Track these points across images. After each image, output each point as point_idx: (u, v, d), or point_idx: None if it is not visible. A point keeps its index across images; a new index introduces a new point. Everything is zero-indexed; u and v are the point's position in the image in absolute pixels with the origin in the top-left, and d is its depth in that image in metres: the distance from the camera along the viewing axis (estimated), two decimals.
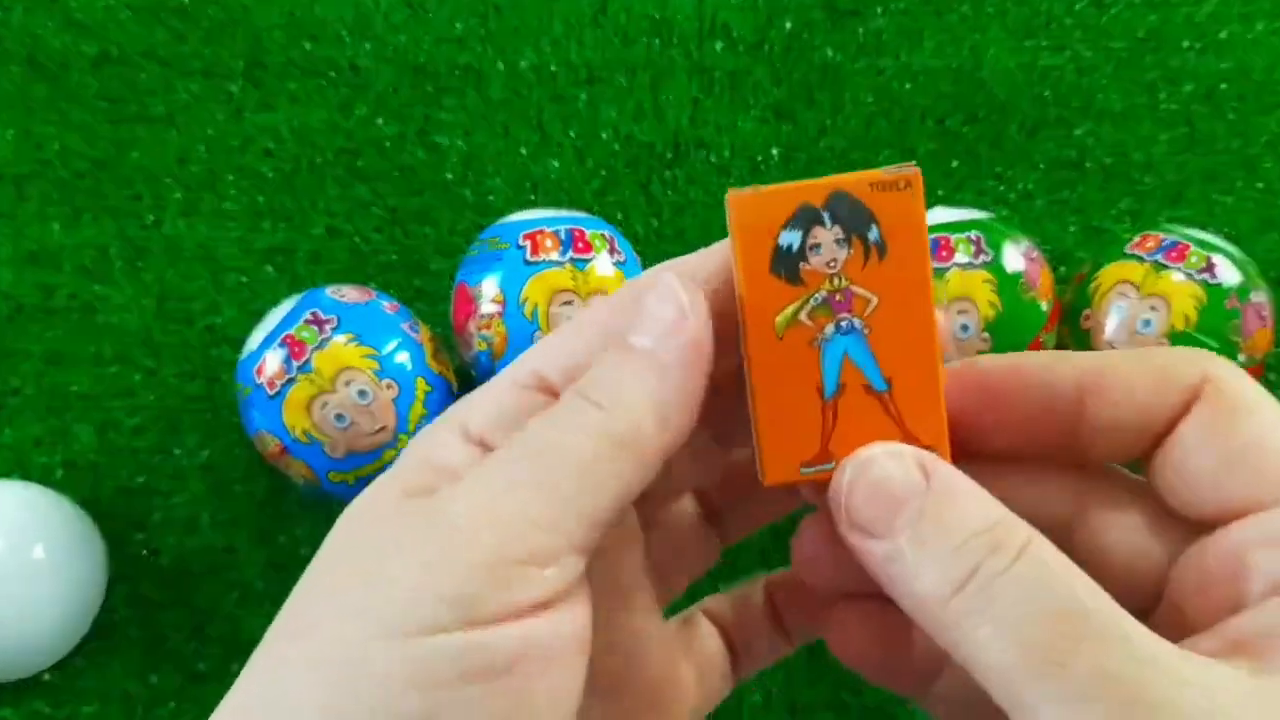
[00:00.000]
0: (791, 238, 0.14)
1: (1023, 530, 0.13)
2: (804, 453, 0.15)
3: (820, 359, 0.14)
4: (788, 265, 0.14)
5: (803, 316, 0.14)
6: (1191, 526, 0.15)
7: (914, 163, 0.14)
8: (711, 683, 0.18)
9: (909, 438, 0.14)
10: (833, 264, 0.14)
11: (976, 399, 0.15)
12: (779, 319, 0.14)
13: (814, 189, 0.14)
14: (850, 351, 0.14)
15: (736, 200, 0.14)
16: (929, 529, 0.13)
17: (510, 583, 0.12)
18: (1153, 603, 0.15)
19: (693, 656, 0.18)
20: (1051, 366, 0.15)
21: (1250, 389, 0.14)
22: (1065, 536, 0.15)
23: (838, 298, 0.14)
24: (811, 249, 0.14)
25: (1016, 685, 0.12)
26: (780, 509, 0.19)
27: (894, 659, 0.16)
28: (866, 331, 0.14)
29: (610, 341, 0.14)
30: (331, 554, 0.14)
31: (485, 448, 0.14)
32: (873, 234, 0.14)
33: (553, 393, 0.14)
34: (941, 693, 0.17)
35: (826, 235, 0.14)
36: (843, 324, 0.14)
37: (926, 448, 0.14)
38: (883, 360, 0.14)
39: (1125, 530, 0.15)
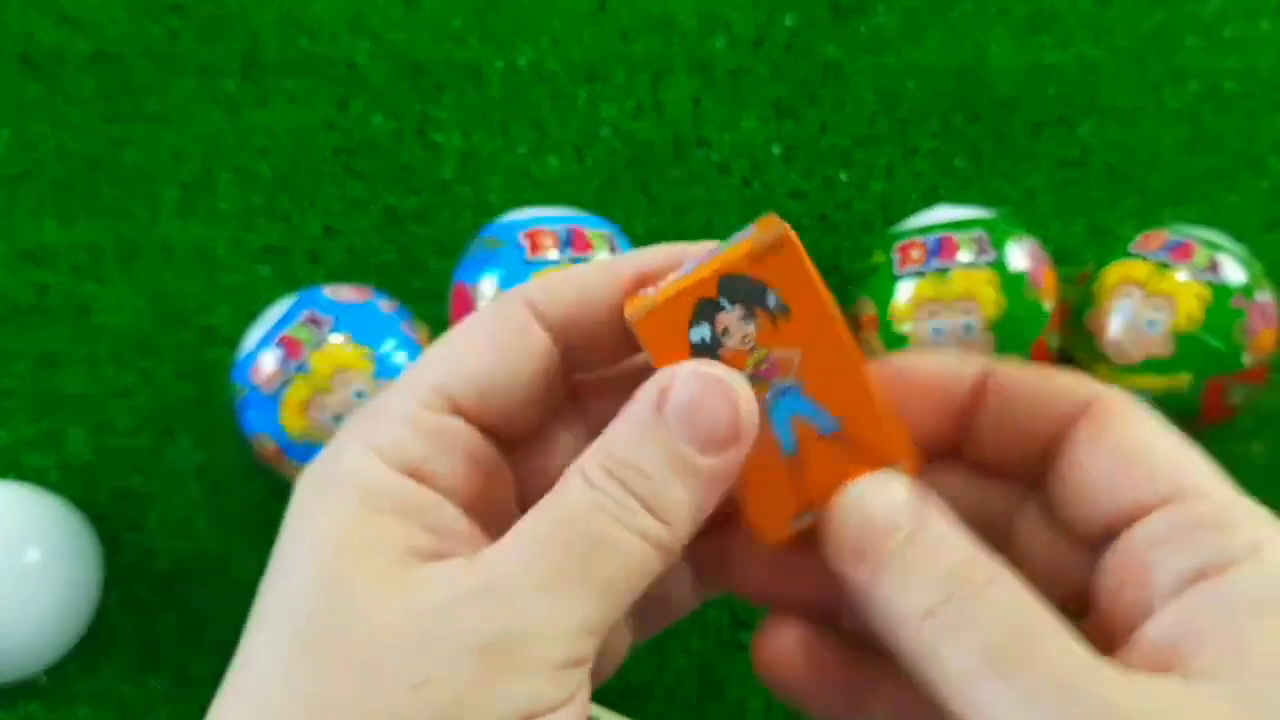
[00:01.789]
0: (701, 332, 0.15)
1: (990, 566, 0.14)
2: (787, 510, 0.16)
3: (771, 425, 0.15)
4: (708, 356, 0.15)
5: None
6: (1093, 538, 0.15)
7: (773, 213, 0.15)
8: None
9: (877, 462, 0.15)
10: (746, 340, 0.15)
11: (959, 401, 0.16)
12: None
13: (703, 283, 0.15)
14: (795, 408, 0.15)
15: (639, 322, 0.15)
16: (913, 561, 0.14)
17: (558, 682, 0.13)
18: (1082, 610, 0.15)
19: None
20: (950, 364, 0.16)
21: (1133, 402, 0.15)
22: (1004, 540, 0.16)
23: (763, 367, 0.15)
24: (723, 335, 0.15)
25: (976, 688, 0.13)
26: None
27: (820, 680, 0.17)
28: (801, 385, 0.15)
29: (671, 455, 0.14)
30: (320, 615, 0.13)
31: (421, 479, 0.14)
32: (770, 301, 0.15)
33: (464, 416, 0.15)
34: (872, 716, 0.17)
35: (731, 318, 0.15)
36: (777, 388, 0.15)
37: (895, 464, 0.15)
38: (827, 403, 0.15)
39: (1049, 538, 0.16)
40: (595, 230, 0.32)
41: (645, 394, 0.14)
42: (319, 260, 0.36)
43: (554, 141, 0.37)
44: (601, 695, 0.32)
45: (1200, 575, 0.13)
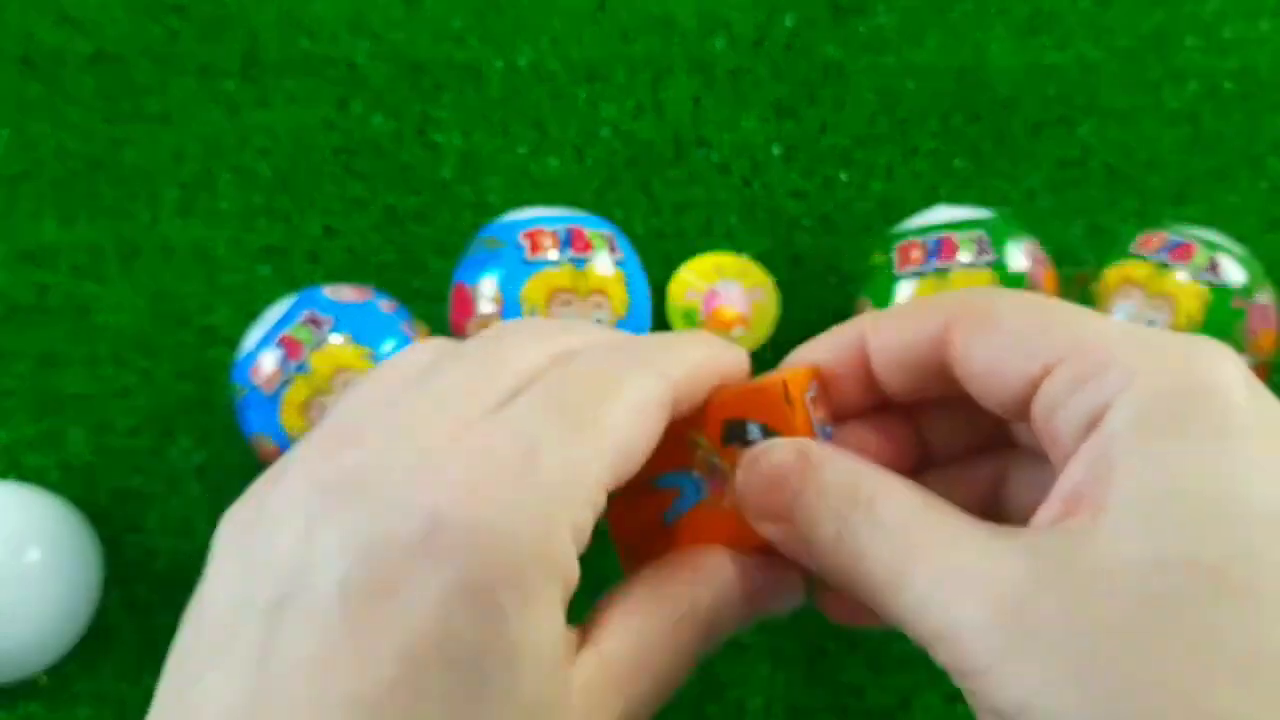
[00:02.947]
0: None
1: (871, 480, 0.15)
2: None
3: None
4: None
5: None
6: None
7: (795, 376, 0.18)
8: None
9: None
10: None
11: (854, 358, 0.18)
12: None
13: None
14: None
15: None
16: (809, 499, 0.16)
17: None
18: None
19: None
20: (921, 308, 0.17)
21: (1000, 293, 0.17)
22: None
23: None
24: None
25: (896, 596, 0.14)
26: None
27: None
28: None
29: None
30: None
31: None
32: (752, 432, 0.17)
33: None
34: None
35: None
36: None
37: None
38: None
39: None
40: (595, 230, 0.32)
41: (756, 577, 0.17)
42: (319, 260, 0.36)
43: (554, 141, 0.37)
44: None
45: (1089, 428, 0.14)
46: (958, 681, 0.14)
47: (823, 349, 0.18)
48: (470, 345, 0.16)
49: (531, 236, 0.31)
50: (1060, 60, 0.38)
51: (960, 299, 0.16)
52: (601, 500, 0.15)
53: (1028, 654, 0.12)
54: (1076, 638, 0.12)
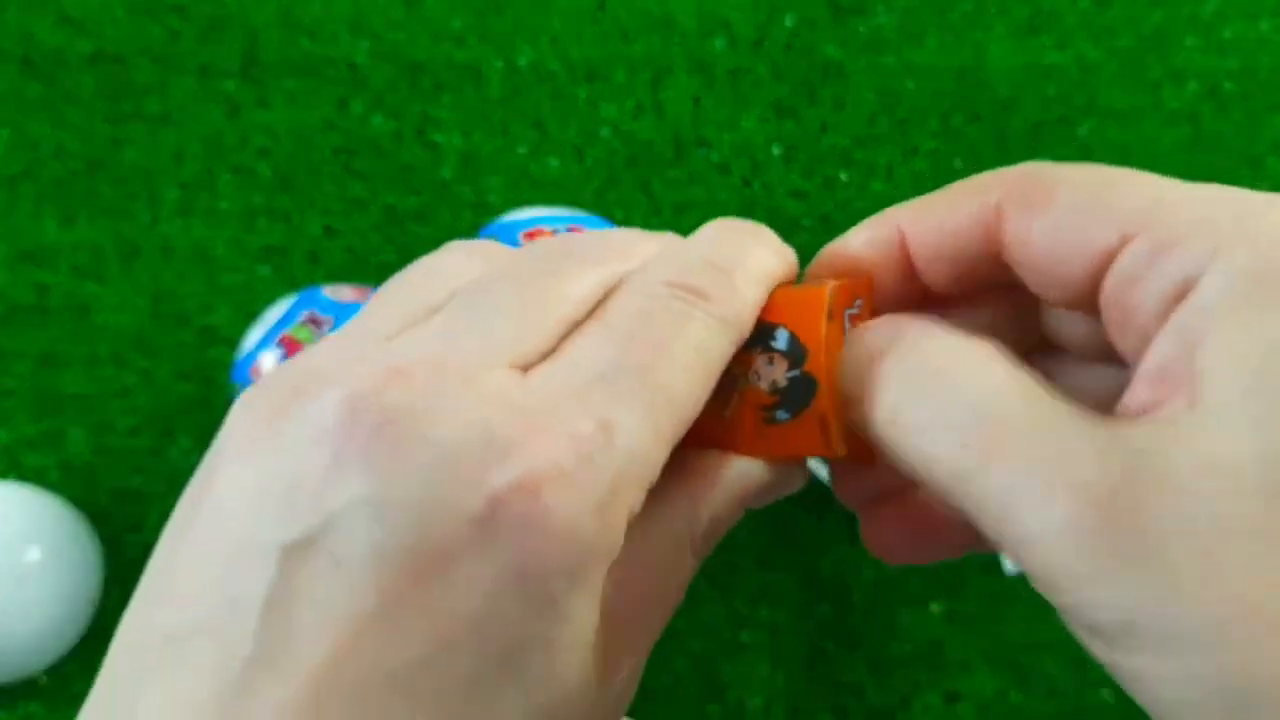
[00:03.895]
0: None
1: (969, 350, 0.13)
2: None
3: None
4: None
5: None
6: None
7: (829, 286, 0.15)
8: None
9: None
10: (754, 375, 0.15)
11: (891, 251, 0.16)
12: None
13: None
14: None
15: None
16: (890, 372, 0.14)
17: None
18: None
19: None
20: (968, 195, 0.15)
21: (1058, 169, 0.14)
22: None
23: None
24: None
25: (959, 477, 0.13)
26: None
27: (924, 545, 0.16)
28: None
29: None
30: None
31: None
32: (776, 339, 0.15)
33: None
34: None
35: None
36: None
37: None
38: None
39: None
40: (595, 230, 0.32)
41: (753, 483, 0.15)
42: (319, 260, 0.36)
43: (554, 141, 0.37)
44: None
45: (1174, 301, 0.12)
46: (1047, 595, 0.12)
47: (857, 242, 0.16)
48: (517, 262, 0.15)
49: (532, 237, 0.31)
50: (1060, 60, 0.38)
51: (1012, 176, 0.14)
52: (657, 476, 0.13)
53: (1132, 564, 0.11)
54: (1188, 545, 0.11)
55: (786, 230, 0.37)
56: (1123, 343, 0.13)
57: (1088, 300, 0.14)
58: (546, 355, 0.14)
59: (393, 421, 0.12)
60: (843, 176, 0.37)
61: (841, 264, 0.16)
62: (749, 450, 0.15)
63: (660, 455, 0.13)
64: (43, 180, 0.37)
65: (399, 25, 0.38)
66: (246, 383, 0.30)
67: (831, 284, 0.15)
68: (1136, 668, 0.11)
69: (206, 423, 0.34)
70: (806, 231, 0.37)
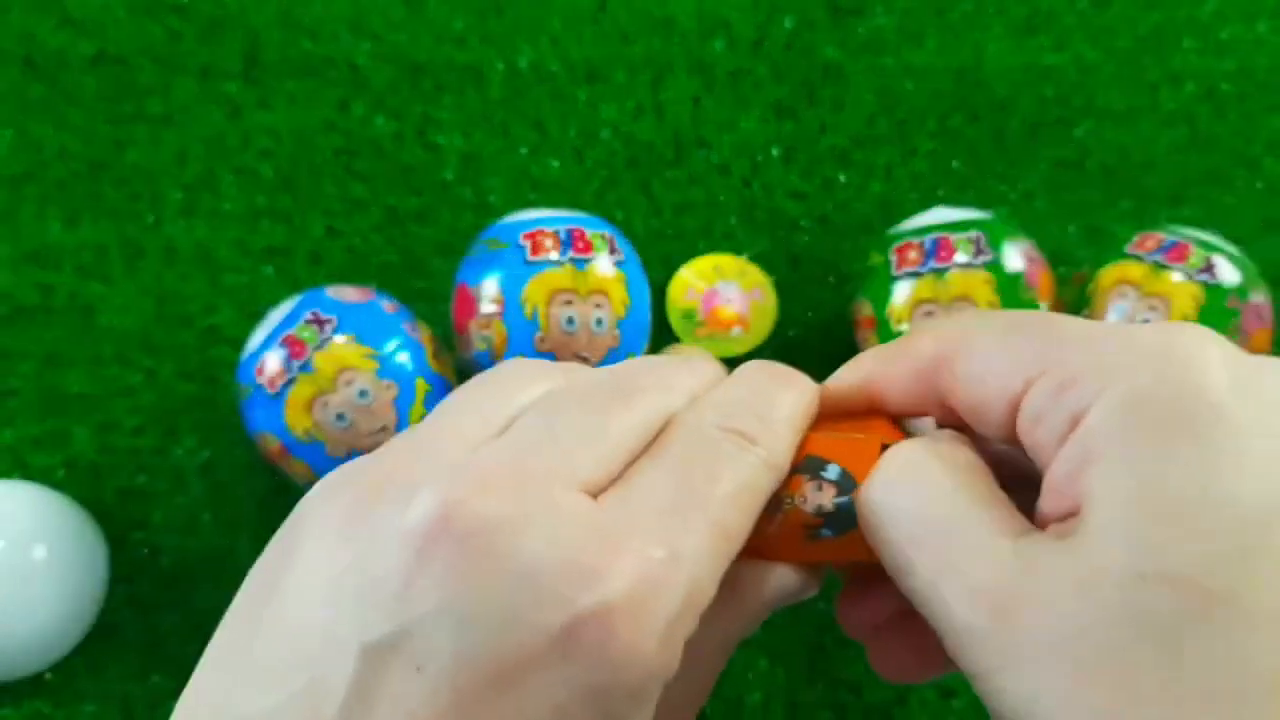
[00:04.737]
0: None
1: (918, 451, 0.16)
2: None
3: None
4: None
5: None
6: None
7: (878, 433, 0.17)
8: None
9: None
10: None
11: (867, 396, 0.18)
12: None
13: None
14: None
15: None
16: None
17: None
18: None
19: None
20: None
21: (977, 316, 0.17)
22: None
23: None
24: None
25: (897, 571, 0.15)
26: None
27: (929, 664, 0.18)
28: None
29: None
30: None
31: None
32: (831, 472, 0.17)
33: None
34: None
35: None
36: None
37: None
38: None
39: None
40: (596, 231, 0.32)
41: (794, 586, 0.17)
42: (321, 261, 0.36)
43: (554, 142, 0.38)
44: None
45: (1069, 431, 0.14)
46: (969, 680, 0.14)
47: (844, 388, 0.18)
48: (582, 385, 0.16)
49: (533, 237, 0.31)
50: (1058, 61, 0.38)
51: (940, 332, 0.16)
52: (711, 600, 0.14)
53: (1023, 660, 0.12)
54: (1064, 649, 0.12)
55: (785, 231, 0.37)
56: (1041, 466, 0.15)
57: (1012, 435, 0.15)
58: (613, 480, 0.15)
59: (482, 532, 0.13)
60: (842, 177, 0.38)
61: (834, 403, 0.18)
62: (788, 559, 0.17)
63: (716, 583, 0.14)
64: (46, 181, 0.37)
65: (400, 26, 0.38)
66: (251, 382, 0.30)
67: (882, 432, 0.17)
68: None
69: (210, 422, 0.35)
70: (805, 232, 0.37)
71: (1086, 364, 0.14)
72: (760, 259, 0.36)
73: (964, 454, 0.15)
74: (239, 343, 0.35)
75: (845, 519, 0.16)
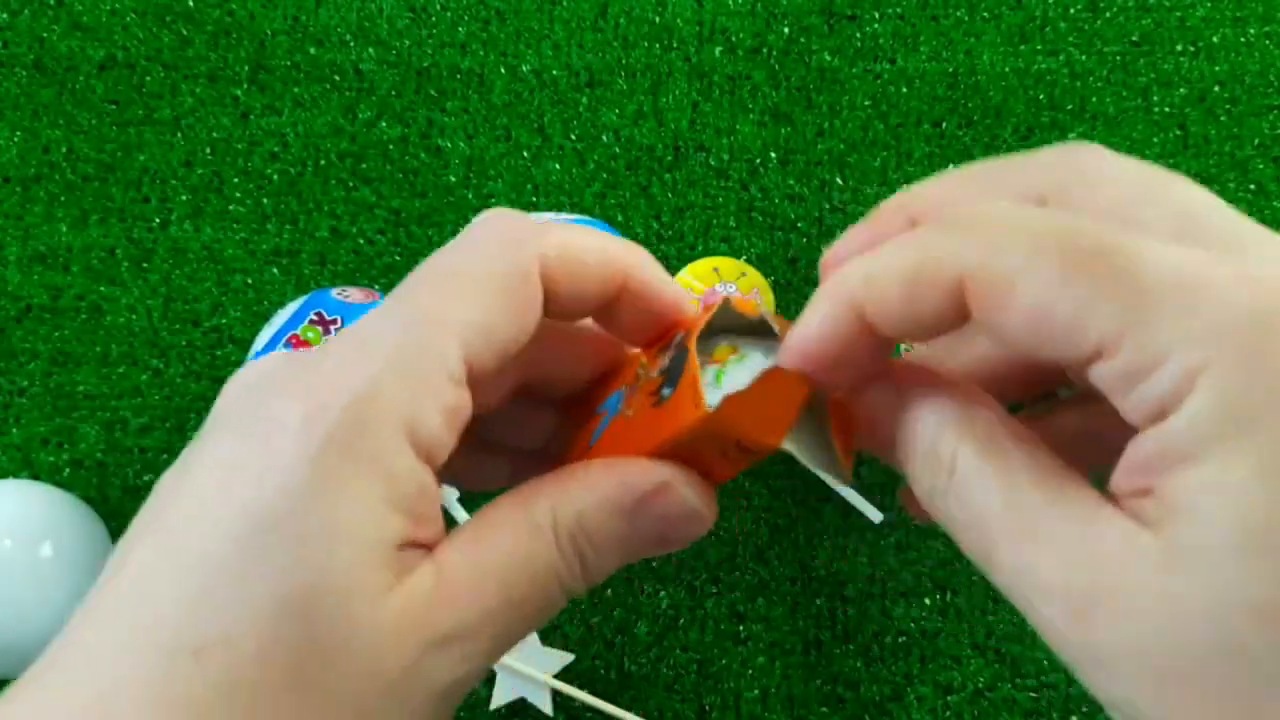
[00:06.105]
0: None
1: (952, 435, 0.14)
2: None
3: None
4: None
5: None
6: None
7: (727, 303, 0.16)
8: None
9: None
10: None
11: (852, 334, 0.15)
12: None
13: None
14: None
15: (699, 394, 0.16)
16: (901, 451, 0.15)
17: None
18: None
19: None
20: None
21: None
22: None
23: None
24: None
25: (983, 563, 0.14)
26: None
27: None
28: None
29: (629, 551, 0.16)
30: None
31: (431, 463, 0.14)
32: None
33: (472, 386, 0.15)
34: None
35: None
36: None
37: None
38: None
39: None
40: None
41: (630, 481, 0.15)
42: (326, 262, 0.37)
43: (556, 146, 0.38)
44: (602, 688, 0.32)
45: (1155, 418, 0.12)
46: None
47: (815, 335, 0.15)
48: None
49: None
50: (1050, 66, 0.39)
51: (972, 253, 0.13)
52: (461, 377, 0.14)
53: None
54: (1148, 661, 0.12)
55: (783, 233, 0.38)
56: (1113, 420, 0.14)
57: (1059, 372, 0.14)
58: None
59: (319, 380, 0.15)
60: (837, 181, 0.38)
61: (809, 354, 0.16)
62: (644, 450, 0.15)
63: (442, 353, 0.14)
64: (55, 183, 0.37)
65: (404, 33, 0.39)
66: None
67: (719, 304, 0.16)
68: None
69: None
70: (802, 234, 0.38)
71: (1175, 336, 0.12)
72: (758, 261, 0.37)
73: (1023, 433, 0.14)
74: (245, 343, 0.35)
75: (677, 368, 0.15)
